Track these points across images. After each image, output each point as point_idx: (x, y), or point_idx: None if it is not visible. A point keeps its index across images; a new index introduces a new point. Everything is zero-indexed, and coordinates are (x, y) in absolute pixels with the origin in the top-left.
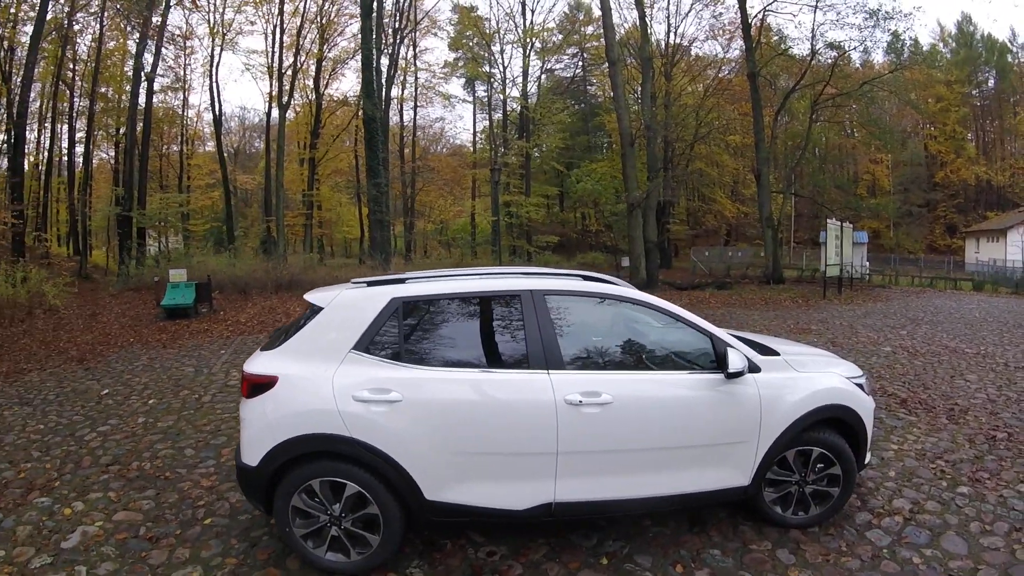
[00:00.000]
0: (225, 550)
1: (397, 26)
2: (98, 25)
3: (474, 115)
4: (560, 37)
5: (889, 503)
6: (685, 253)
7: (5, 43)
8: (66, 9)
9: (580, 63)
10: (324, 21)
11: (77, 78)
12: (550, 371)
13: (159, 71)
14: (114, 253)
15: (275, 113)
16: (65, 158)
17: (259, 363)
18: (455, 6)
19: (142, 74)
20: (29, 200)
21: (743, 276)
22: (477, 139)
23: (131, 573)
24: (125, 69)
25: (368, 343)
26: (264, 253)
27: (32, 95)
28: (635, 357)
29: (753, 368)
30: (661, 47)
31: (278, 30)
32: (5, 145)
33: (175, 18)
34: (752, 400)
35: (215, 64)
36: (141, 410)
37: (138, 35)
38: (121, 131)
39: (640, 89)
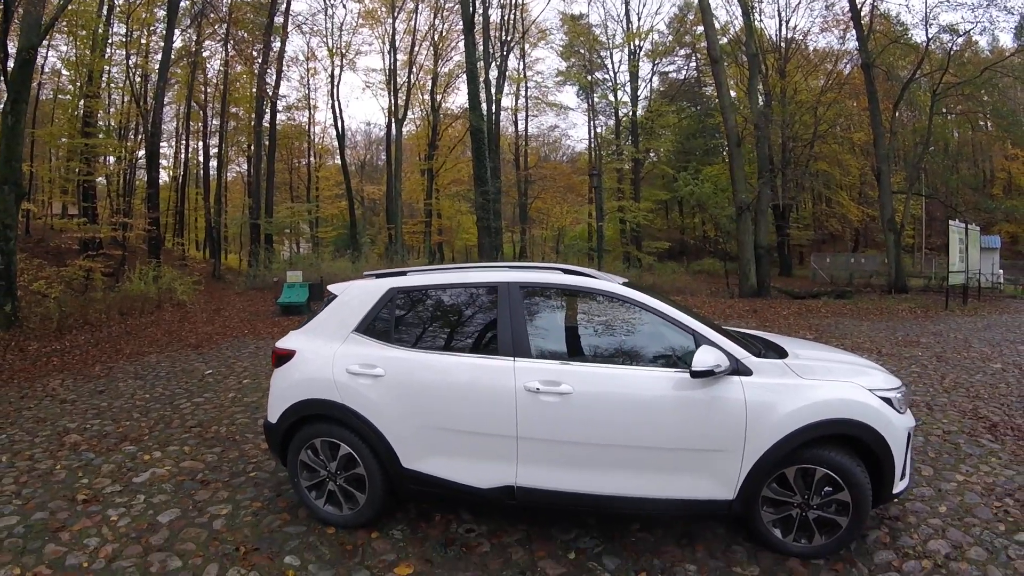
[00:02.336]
0: (256, 496)
1: (504, 38)
2: (224, 52)
3: (589, 122)
4: (670, 39)
5: (924, 544)
6: (809, 260)
7: (139, 71)
8: (194, 38)
9: (693, 64)
10: (436, 37)
11: (208, 99)
12: (516, 359)
13: (284, 91)
14: (245, 257)
15: (394, 127)
16: (202, 171)
17: (286, 340)
18: (562, 16)
19: (265, 95)
20: (168, 209)
21: (865, 285)
22: (593, 146)
23: (177, 504)
24: (253, 90)
25: (367, 326)
26: (387, 258)
27: (169, 116)
28: (603, 351)
29: (741, 371)
30: (773, 42)
31: (393, 49)
32: (142, 160)
33: (297, 42)
34: (735, 405)
35: (336, 83)
36: (234, 387)
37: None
38: (251, 147)
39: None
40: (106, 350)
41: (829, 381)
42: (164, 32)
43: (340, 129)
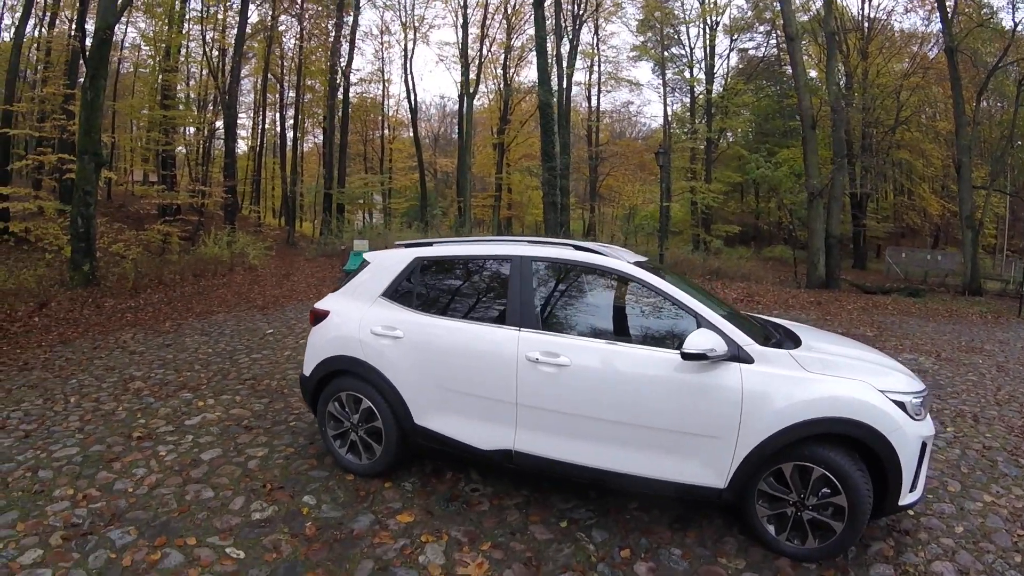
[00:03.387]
0: (291, 442)
1: (577, 12)
2: (299, 25)
3: (664, 98)
4: (749, 14)
5: (928, 564)
6: (884, 254)
7: (216, 46)
8: (270, 13)
9: (773, 41)
10: (509, 10)
11: (285, 72)
12: (521, 329)
13: (358, 64)
14: (319, 225)
15: (465, 101)
16: (279, 141)
17: (323, 301)
18: None
19: (338, 69)
20: (245, 178)
21: (940, 284)
22: (669, 124)
23: (221, 444)
24: (327, 64)
25: (392, 291)
26: (455, 231)
27: (246, 88)
28: (604, 327)
29: (742, 358)
30: (856, 20)
31: (465, 22)
32: (220, 131)
33: (371, 16)
34: (731, 393)
35: (409, 57)
36: (291, 346)
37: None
38: (326, 119)
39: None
40: (177, 308)
41: (837, 377)
42: (240, 7)
43: (413, 102)
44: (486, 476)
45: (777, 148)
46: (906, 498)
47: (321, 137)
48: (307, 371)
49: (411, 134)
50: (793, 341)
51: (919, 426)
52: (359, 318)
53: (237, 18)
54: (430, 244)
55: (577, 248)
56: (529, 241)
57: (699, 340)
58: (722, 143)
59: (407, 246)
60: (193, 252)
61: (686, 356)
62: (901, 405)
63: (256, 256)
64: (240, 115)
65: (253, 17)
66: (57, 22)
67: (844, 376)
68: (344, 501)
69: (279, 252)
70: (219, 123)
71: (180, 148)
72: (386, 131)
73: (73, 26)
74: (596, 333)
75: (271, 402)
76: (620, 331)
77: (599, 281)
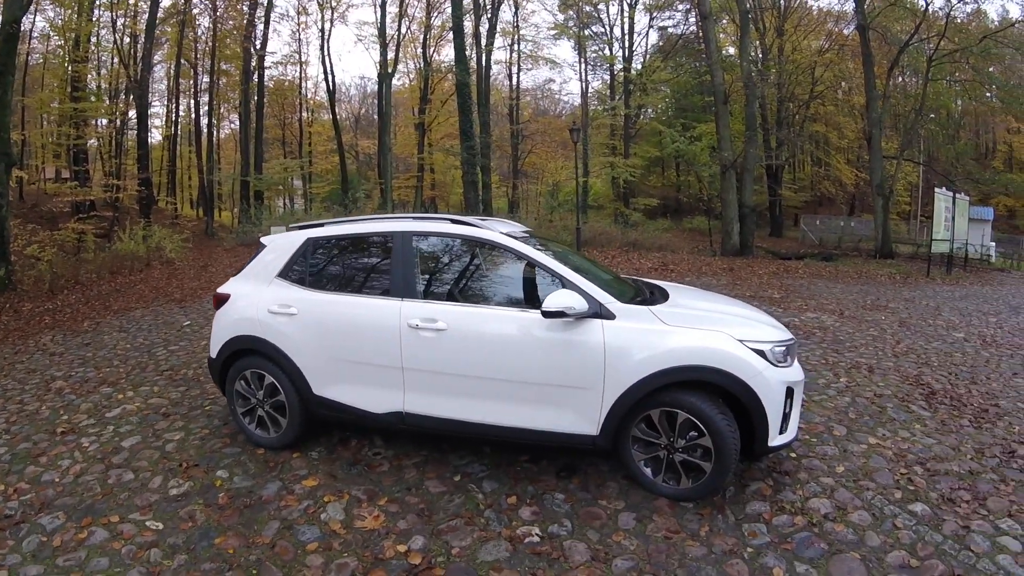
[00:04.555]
0: (206, 424)
1: None
2: (212, 7)
3: (583, 77)
4: None
5: (805, 501)
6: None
7: (128, 32)
8: None
9: (693, 19)
10: None
11: (199, 57)
12: (403, 299)
13: (275, 47)
14: (238, 214)
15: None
16: (193, 129)
17: (224, 285)
18: None
19: (252, 51)
20: (160, 168)
21: (853, 249)
22: (589, 101)
23: (140, 431)
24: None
25: (287, 271)
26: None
27: (160, 75)
28: (479, 293)
29: (604, 314)
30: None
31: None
32: (134, 121)
33: None
34: (594, 346)
35: (326, 37)
36: (208, 336)
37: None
38: (248, 104)
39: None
40: (96, 307)
41: (695, 329)
42: None
43: (331, 84)
44: (388, 441)
45: (695, 123)
46: (776, 439)
47: (238, 123)
48: (213, 353)
49: (330, 116)
50: (663, 298)
51: (782, 372)
52: (257, 299)
53: (148, 3)
54: (321, 225)
55: (454, 222)
56: (412, 217)
57: (557, 299)
58: (641, 119)
59: (300, 228)
60: (109, 249)
61: (546, 314)
62: (761, 353)
63: (173, 249)
64: (154, 103)
65: (166, 1)
66: None
67: (703, 328)
68: (255, 472)
69: (198, 243)
70: (132, 113)
71: (92, 141)
72: (305, 114)
73: None
74: (471, 299)
75: (188, 390)
76: (492, 296)
77: (473, 251)
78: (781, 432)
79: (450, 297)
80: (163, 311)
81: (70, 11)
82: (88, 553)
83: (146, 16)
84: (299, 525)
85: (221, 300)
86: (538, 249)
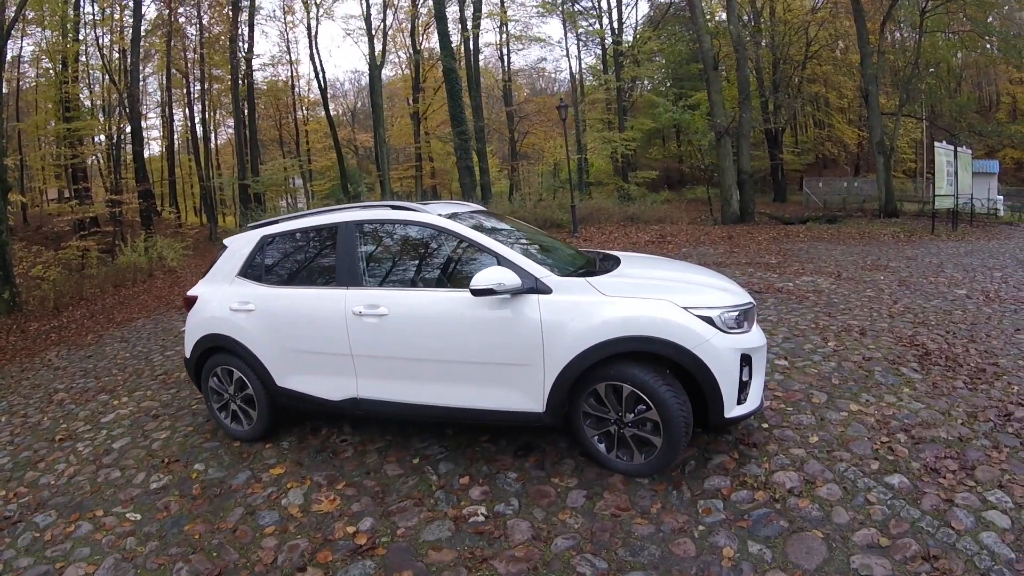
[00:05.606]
0: (191, 422)
1: None
2: (197, 15)
3: (577, 52)
4: None
5: (770, 475)
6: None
7: (117, 47)
8: (167, 8)
9: None
10: None
11: (190, 65)
12: (348, 288)
13: (263, 48)
14: (238, 217)
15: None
16: (190, 137)
17: (193, 288)
18: None
19: (239, 55)
20: (162, 179)
21: (858, 210)
22: (582, 76)
23: (130, 433)
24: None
25: (246, 270)
26: None
27: (153, 87)
28: (419, 276)
29: (540, 289)
30: None
31: None
32: (129, 136)
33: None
34: (530, 322)
35: (313, 34)
36: None
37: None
38: (240, 108)
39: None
40: (99, 320)
41: (634, 299)
42: (133, 5)
43: (322, 81)
44: (356, 428)
45: (692, 92)
46: (734, 410)
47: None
48: (187, 353)
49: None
50: (612, 268)
51: (735, 339)
52: (220, 298)
53: (132, 18)
54: (276, 222)
55: (394, 208)
56: (356, 207)
57: (485, 276)
58: (637, 92)
59: (256, 227)
60: (112, 263)
61: (475, 292)
62: (709, 320)
63: (174, 258)
64: (149, 115)
65: (151, 12)
66: None
67: (642, 296)
68: (228, 463)
69: (202, 249)
70: (128, 127)
71: (92, 158)
72: (300, 113)
73: None
74: (411, 282)
75: (178, 391)
76: (431, 278)
77: (412, 235)
78: (740, 402)
79: (390, 282)
80: (163, 319)
81: (56, 32)
82: (73, 544)
83: (131, 31)
84: (261, 511)
85: (190, 302)
86: (475, 228)
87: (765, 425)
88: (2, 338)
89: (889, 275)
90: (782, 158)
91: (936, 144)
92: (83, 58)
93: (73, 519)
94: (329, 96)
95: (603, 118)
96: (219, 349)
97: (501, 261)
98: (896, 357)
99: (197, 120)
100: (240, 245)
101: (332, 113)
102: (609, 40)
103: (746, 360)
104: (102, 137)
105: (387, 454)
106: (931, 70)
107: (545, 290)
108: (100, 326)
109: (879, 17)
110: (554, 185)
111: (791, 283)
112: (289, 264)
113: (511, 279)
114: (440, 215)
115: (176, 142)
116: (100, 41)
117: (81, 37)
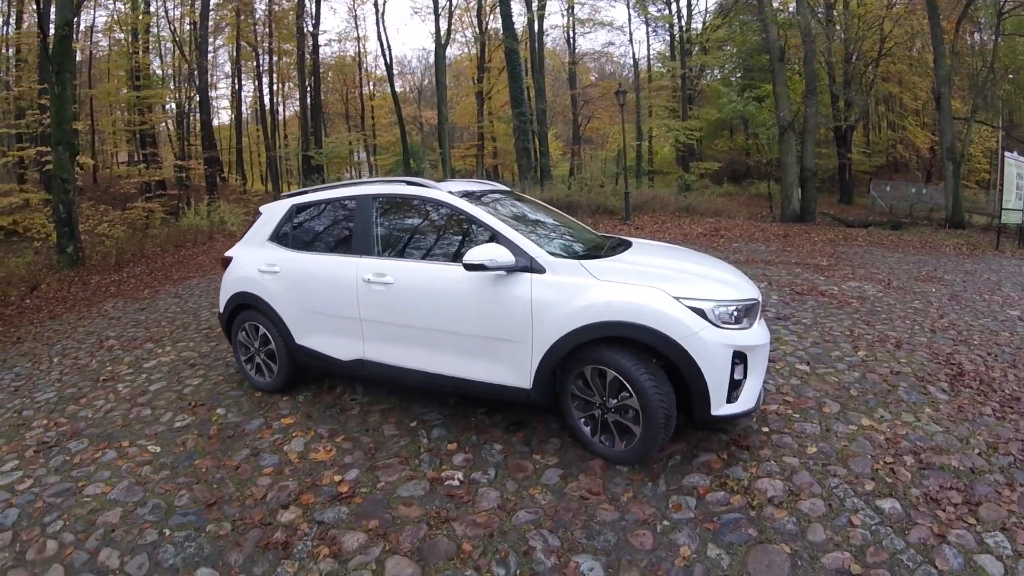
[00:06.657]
0: (223, 373)
1: None
2: None
3: (647, 38)
4: None
5: (754, 481)
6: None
7: (187, 20)
8: None
9: None
10: None
11: (260, 39)
12: (361, 256)
13: (332, 24)
14: (300, 187)
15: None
16: (258, 108)
17: (230, 250)
18: None
19: (306, 31)
20: (228, 146)
21: (924, 218)
22: (652, 63)
23: (167, 378)
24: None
25: (276, 235)
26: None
27: (223, 58)
28: (425, 249)
29: (534, 268)
30: None
31: None
32: (197, 105)
33: None
34: (521, 300)
35: (381, 12)
36: None
37: None
38: (305, 82)
39: None
40: (157, 277)
41: (624, 284)
42: None
43: (388, 57)
44: (367, 389)
45: (760, 83)
46: (722, 408)
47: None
48: (221, 308)
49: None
50: (618, 253)
51: (727, 334)
52: (252, 260)
53: None
54: (304, 193)
55: (408, 184)
56: (378, 181)
57: (478, 253)
58: (705, 80)
59: (289, 196)
60: (174, 225)
61: (467, 267)
62: (700, 312)
63: (234, 223)
64: (220, 85)
65: None
66: (25, 18)
67: (633, 283)
68: (247, 410)
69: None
70: (196, 97)
71: (161, 125)
72: (367, 88)
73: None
74: (416, 254)
75: (217, 344)
76: (436, 251)
77: (422, 210)
78: (730, 401)
79: (399, 253)
80: (216, 278)
81: (127, 4)
82: (96, 468)
83: (200, 4)
84: (264, 453)
85: (226, 262)
86: (482, 206)
87: (765, 429)
88: (64, 289)
89: (942, 288)
90: (850, 158)
91: (1007, 154)
92: (154, 29)
93: (102, 447)
94: (396, 73)
95: (667, 106)
96: (248, 306)
97: (497, 238)
98: (927, 374)
99: (265, 92)
100: (273, 212)
101: (398, 90)
102: (677, 27)
103: (740, 357)
104: (172, 105)
105: (389, 415)
106: (1009, 76)
107: (539, 269)
108: (157, 282)
109: (955, 16)
110: (615, 171)
111: (836, 287)
112: (313, 232)
113: (504, 256)
114: (450, 192)
115: (245, 112)
116: (169, 14)
117: (152, 9)
